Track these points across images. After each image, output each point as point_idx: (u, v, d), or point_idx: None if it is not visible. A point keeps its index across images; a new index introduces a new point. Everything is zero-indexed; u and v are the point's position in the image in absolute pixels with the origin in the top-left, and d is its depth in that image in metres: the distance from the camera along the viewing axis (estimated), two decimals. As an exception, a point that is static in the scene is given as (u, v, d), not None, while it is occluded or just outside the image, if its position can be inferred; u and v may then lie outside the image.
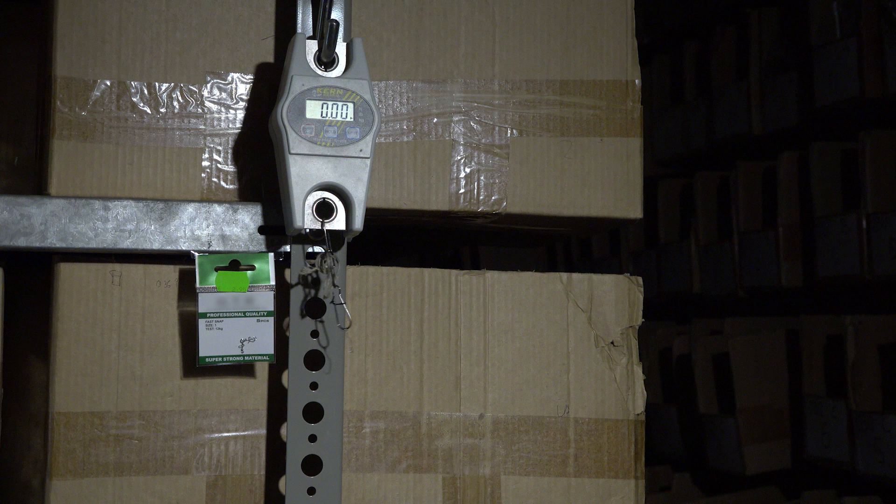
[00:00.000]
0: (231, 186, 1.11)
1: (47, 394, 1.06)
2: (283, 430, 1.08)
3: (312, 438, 1.06)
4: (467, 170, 1.16)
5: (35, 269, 1.13)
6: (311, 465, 1.07)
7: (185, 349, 1.07)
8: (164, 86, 1.10)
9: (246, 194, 1.11)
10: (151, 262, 1.08)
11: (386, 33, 1.15)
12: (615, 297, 1.18)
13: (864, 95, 2.53)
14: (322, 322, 1.06)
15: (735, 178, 2.95)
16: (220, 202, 1.09)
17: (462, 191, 1.16)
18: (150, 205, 1.07)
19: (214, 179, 1.11)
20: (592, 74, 1.20)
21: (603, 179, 1.20)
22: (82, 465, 1.05)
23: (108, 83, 1.09)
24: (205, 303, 1.04)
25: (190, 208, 1.08)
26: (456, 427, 1.13)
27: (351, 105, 1.04)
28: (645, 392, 1.18)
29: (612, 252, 3.66)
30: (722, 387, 2.85)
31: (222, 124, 1.11)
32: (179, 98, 1.10)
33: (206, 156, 1.11)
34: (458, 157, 1.16)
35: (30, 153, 1.36)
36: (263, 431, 1.09)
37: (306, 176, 1.03)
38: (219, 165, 1.11)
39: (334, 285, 1.04)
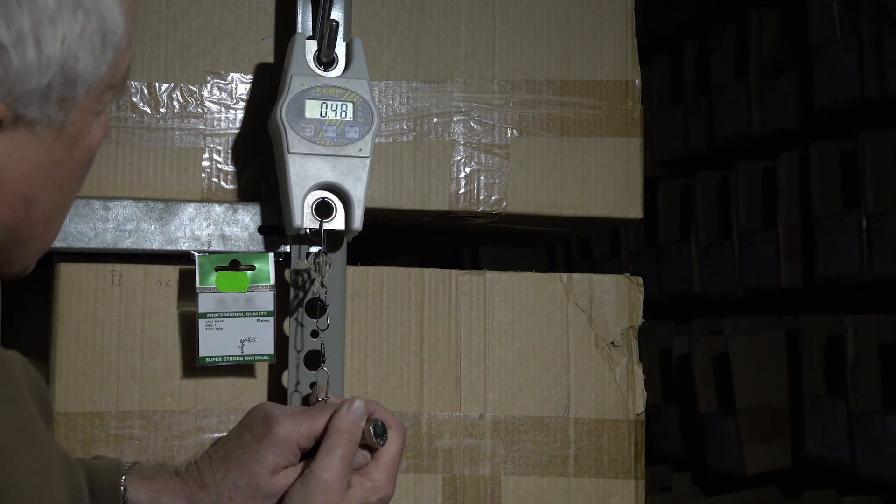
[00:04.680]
0: (231, 186, 1.11)
1: (47, 394, 1.06)
2: (283, 430, 1.08)
3: (312, 438, 1.06)
4: (467, 170, 1.16)
5: (35, 269, 1.13)
6: (311, 465, 1.06)
7: (185, 349, 1.07)
8: (164, 86, 1.10)
9: (246, 194, 1.11)
10: (151, 262, 1.08)
11: (386, 33, 1.15)
12: (615, 298, 1.18)
13: (864, 95, 2.53)
14: (322, 321, 1.06)
15: (735, 178, 2.95)
16: (220, 202, 1.09)
17: (462, 191, 1.16)
18: (150, 205, 1.07)
19: (214, 179, 1.11)
20: (592, 74, 1.20)
21: (603, 179, 1.20)
22: (82, 465, 1.05)
23: (108, 83, 1.09)
24: (205, 303, 1.04)
25: (190, 208, 1.08)
26: (456, 427, 1.13)
27: (350, 105, 1.04)
28: (645, 392, 1.18)
29: (612, 252, 3.66)
30: (722, 387, 2.85)
31: (222, 124, 1.11)
32: (179, 98, 1.10)
33: (206, 156, 1.11)
34: (458, 157, 1.16)
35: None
36: (263, 431, 1.09)
37: (305, 175, 1.03)
38: (219, 165, 1.11)
39: (322, 286, 1.04)
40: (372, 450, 0.97)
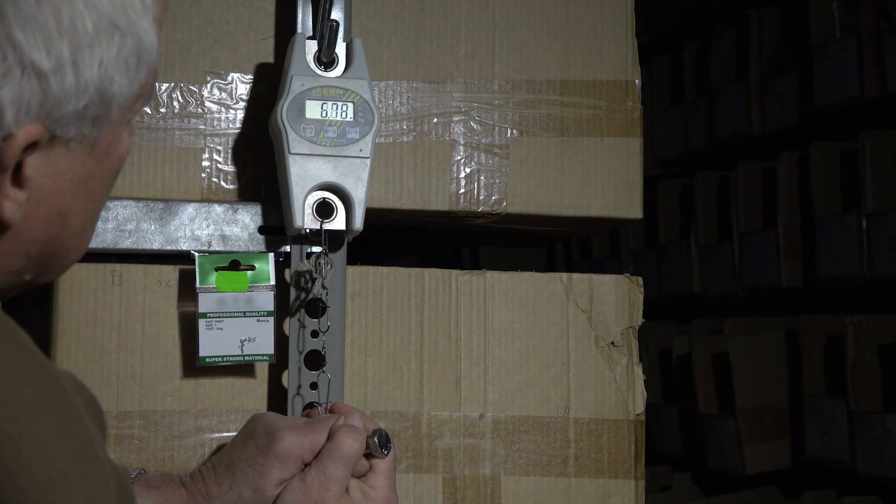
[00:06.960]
0: (231, 186, 1.11)
1: (47, 394, 1.05)
2: (283, 430, 1.08)
3: (312, 438, 1.06)
4: (467, 170, 1.16)
5: (35, 269, 1.13)
6: (311, 465, 1.06)
7: (185, 349, 1.07)
8: (164, 86, 1.10)
9: (246, 194, 1.11)
10: (151, 262, 1.08)
11: (386, 33, 1.15)
12: (615, 297, 1.18)
13: (864, 95, 2.53)
14: (323, 322, 1.06)
15: (735, 178, 2.95)
16: (220, 202, 1.09)
17: (462, 191, 1.16)
18: (150, 205, 1.07)
19: (214, 179, 1.11)
20: (592, 74, 1.20)
21: (603, 179, 1.20)
22: (82, 465, 1.05)
23: (108, 83, 1.08)
24: (205, 303, 1.04)
25: (190, 208, 1.08)
26: (456, 427, 1.13)
27: (351, 105, 1.04)
28: (645, 392, 1.18)
29: (612, 252, 3.66)
30: (722, 387, 2.85)
31: (222, 124, 1.11)
32: (179, 98, 1.10)
33: (206, 156, 1.11)
34: (458, 157, 1.16)
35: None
36: (263, 431, 1.09)
37: (306, 176, 1.03)
38: (219, 165, 1.11)
39: (323, 287, 1.04)
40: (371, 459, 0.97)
